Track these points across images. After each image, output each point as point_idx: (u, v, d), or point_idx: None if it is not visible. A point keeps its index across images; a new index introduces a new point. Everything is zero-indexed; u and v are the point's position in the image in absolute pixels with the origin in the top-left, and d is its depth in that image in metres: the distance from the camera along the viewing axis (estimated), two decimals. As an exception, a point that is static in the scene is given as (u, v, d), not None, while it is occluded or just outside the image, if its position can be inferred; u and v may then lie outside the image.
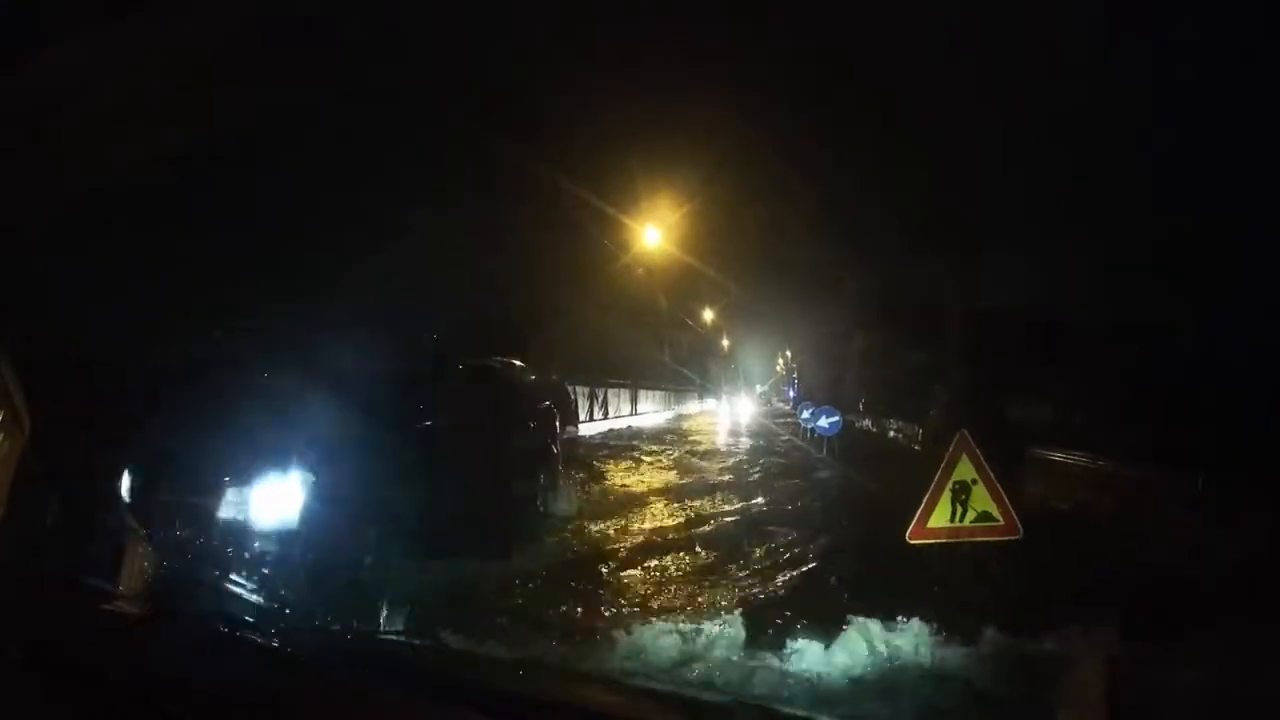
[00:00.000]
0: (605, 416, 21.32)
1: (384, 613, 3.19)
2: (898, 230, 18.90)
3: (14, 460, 1.34)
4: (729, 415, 32.42)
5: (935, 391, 14.91)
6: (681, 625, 4.01)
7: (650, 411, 28.50)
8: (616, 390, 23.34)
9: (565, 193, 18.62)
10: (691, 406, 40.46)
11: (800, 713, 2.09)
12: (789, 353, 49.57)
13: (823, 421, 12.48)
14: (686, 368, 38.03)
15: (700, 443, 18.15)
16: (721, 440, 19.75)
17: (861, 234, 22.63)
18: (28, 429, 1.36)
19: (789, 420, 26.66)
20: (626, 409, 24.85)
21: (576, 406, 18.62)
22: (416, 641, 2.26)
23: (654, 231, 22.39)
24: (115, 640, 1.34)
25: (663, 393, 33.77)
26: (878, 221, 20.91)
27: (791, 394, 44.93)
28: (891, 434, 18.28)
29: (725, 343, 49.78)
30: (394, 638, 2.43)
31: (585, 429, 18.29)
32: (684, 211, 21.69)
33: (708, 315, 42.71)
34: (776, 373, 53.98)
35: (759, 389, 53.50)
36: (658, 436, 19.19)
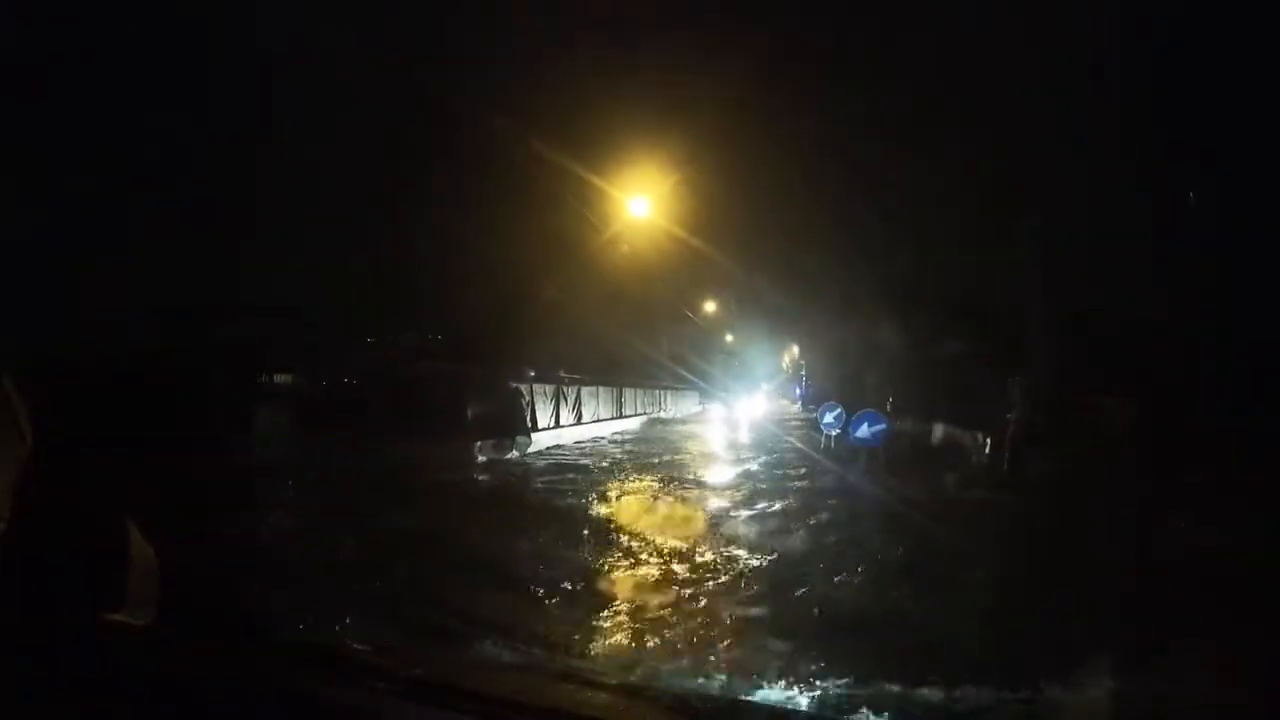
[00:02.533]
0: (578, 421, 17.37)
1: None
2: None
3: (15, 470, 1.25)
4: (733, 420, 28.19)
5: (1014, 387, 10.98)
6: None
7: (637, 415, 24.52)
8: (593, 389, 19.35)
9: (538, 158, 15.22)
10: (689, 408, 36.49)
11: (798, 711, 2.42)
12: (796, 349, 45.60)
13: (864, 430, 8.59)
14: (685, 364, 34.02)
15: (680, 478, 10.59)
16: (716, 502, 8.81)
17: (900, 209, 19.18)
18: (29, 438, 1.28)
19: (799, 424, 22.62)
20: (609, 411, 20.88)
21: (533, 411, 14.78)
22: (413, 646, 2.28)
23: (644, 204, 18.42)
24: (118, 651, 1.35)
25: (656, 392, 29.84)
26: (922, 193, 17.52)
27: (798, 392, 40.91)
28: (936, 441, 14.27)
29: (729, 338, 45.70)
30: (388, 643, 2.30)
31: (545, 438, 14.35)
32: (678, 181, 17.84)
33: (709, 307, 38.77)
34: (784, 369, 50.00)
35: (764, 387, 49.50)
36: (623, 464, 12.33)
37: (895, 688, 2.93)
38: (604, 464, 12.01)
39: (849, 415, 14.05)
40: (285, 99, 14.57)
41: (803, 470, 11.44)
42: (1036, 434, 10.78)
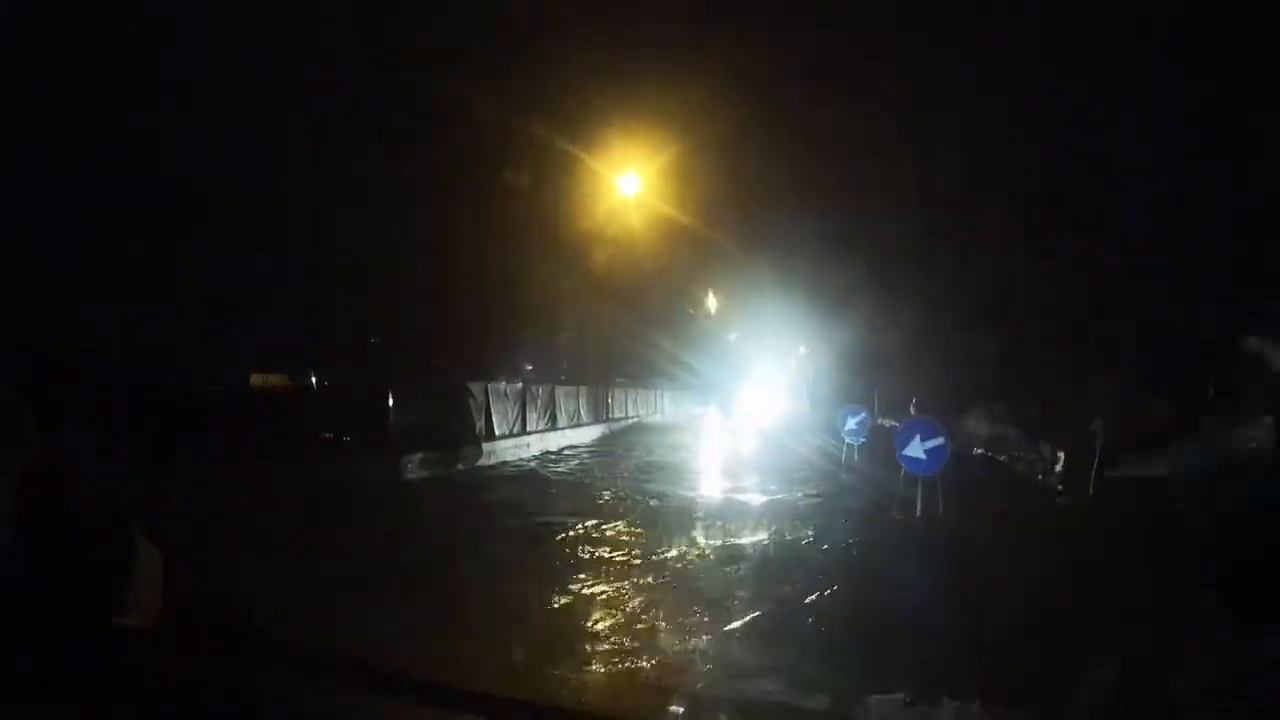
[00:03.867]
0: (552, 427, 14.84)
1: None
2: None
3: (21, 477, 1.27)
4: (735, 428, 25.59)
5: (1094, 388, 8.48)
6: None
7: (627, 419, 22.03)
8: (572, 390, 16.81)
9: (528, 135, 13.12)
10: (688, 410, 34.03)
11: (801, 710, 2.43)
12: (803, 349, 42.97)
13: (915, 449, 6.06)
14: (685, 364, 31.56)
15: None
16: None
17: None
18: (34, 445, 1.30)
19: (814, 432, 20.02)
20: (590, 415, 18.36)
21: (489, 416, 12.23)
22: (413, 647, 2.24)
23: (640, 190, 16.00)
24: (124, 656, 1.35)
25: (651, 393, 27.38)
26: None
27: (805, 394, 38.19)
28: (980, 453, 11.74)
29: (732, 337, 43.19)
30: (388, 644, 2.29)
31: (510, 447, 11.81)
32: (674, 160, 15.44)
33: (712, 305, 36.31)
34: (791, 370, 47.47)
35: (770, 388, 46.93)
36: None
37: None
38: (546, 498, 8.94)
39: (876, 422, 11.61)
40: (273, 93, 12.55)
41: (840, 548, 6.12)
42: (1141, 446, 8.24)
